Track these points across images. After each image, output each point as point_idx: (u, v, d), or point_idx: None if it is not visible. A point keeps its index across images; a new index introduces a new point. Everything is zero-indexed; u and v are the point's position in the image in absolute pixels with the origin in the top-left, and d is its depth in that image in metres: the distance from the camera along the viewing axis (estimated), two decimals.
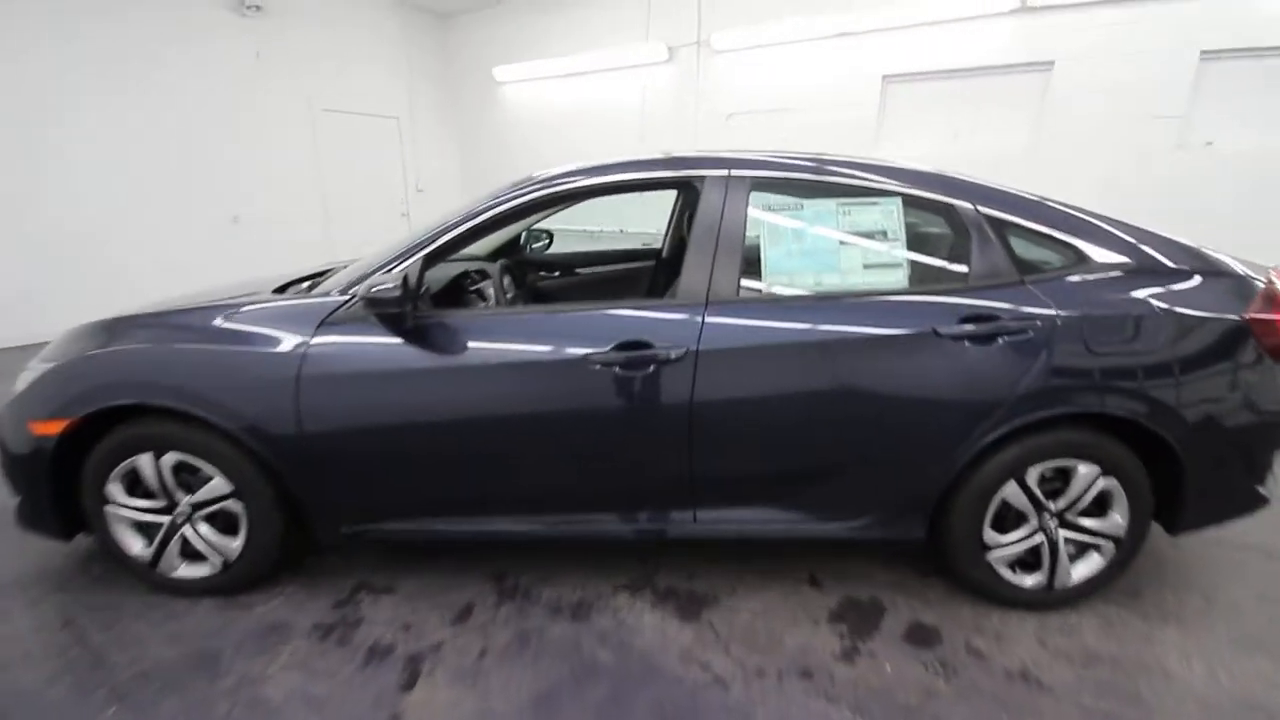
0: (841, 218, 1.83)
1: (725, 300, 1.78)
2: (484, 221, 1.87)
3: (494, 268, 2.35)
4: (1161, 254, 1.81)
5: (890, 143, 5.22)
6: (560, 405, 1.77)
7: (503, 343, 1.79)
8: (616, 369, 1.74)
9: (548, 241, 3.55)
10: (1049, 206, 1.85)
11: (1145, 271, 1.78)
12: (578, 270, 3.37)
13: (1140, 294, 1.73)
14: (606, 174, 1.93)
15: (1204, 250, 1.83)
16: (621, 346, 1.74)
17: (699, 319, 1.75)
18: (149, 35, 5.35)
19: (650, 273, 3.29)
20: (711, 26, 5.78)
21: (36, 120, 4.86)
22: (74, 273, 5.11)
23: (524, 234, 3.45)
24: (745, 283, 1.80)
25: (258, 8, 5.91)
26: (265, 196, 6.34)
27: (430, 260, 1.85)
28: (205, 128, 5.80)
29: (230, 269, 5.91)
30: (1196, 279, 1.76)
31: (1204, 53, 4.10)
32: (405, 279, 1.69)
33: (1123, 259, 1.80)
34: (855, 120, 5.26)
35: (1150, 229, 1.87)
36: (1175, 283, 1.76)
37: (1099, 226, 1.84)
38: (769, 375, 1.75)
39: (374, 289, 1.67)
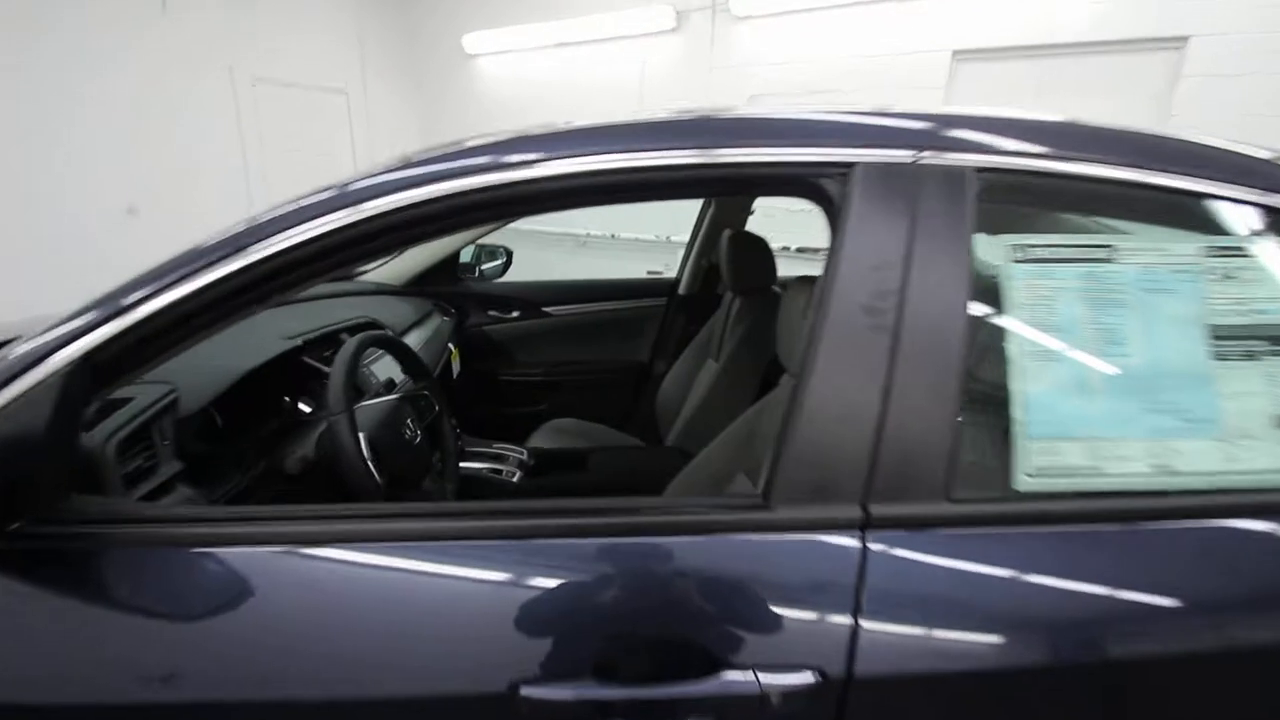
0: (1218, 288, 0.69)
1: (922, 514, 0.63)
2: (265, 270, 0.70)
3: (350, 343, 1.12)
4: None
5: None
6: None
7: (290, 621, 0.64)
8: None
9: (504, 261, 2.39)
10: None
11: None
12: (545, 310, 2.21)
13: None
14: (605, 149, 0.74)
15: None
16: (636, 678, 0.59)
17: (851, 567, 0.61)
18: None
19: (659, 318, 2.13)
20: None
21: None
22: None
23: (473, 249, 2.30)
24: (968, 451, 0.65)
25: None
26: (172, 184, 5.08)
27: (107, 374, 0.69)
28: (90, 95, 4.54)
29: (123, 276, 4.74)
30: None
31: None
32: None
33: None
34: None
35: None
36: None
37: None
38: None
39: None
